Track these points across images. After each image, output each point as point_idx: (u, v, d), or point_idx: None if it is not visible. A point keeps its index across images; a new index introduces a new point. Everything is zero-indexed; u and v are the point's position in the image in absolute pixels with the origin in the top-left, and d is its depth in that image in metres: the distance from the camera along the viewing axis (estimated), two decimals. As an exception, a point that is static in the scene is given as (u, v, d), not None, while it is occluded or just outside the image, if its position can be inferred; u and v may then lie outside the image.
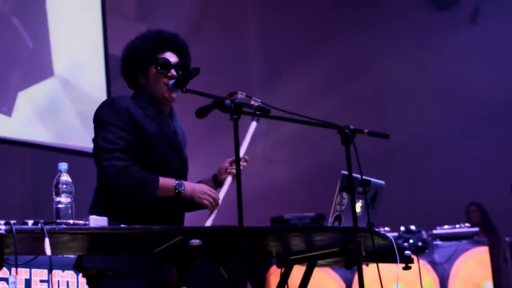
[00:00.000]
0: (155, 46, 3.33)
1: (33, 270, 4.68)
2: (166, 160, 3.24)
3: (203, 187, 3.21)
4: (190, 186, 3.18)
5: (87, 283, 3.22)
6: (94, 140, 3.18)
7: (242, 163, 3.30)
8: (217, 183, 3.42)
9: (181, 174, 3.32)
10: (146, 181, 3.09)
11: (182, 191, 3.14)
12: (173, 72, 3.30)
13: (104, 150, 3.08)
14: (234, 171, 3.27)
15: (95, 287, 3.17)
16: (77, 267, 3.23)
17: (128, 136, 3.13)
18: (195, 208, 3.32)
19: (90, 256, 3.13)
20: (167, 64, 3.31)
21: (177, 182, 3.14)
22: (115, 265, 3.11)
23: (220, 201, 3.27)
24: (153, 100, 3.31)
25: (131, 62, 3.34)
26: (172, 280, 3.16)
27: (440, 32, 10.49)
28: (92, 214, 2.72)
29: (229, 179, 3.37)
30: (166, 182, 3.13)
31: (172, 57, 3.34)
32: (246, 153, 3.36)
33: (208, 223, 3.21)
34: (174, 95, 3.30)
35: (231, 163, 3.38)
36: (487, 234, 8.09)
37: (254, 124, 3.40)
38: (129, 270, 3.10)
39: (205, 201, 3.18)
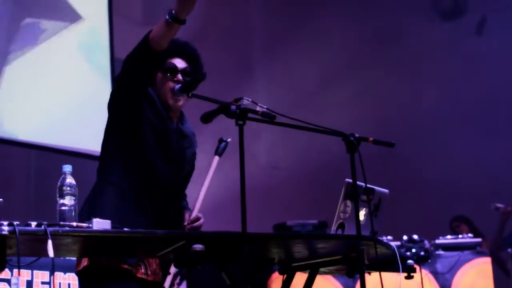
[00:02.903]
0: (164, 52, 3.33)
1: (34, 271, 4.68)
2: (156, 167, 3.22)
3: None
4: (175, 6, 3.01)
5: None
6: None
7: (197, 223, 3.30)
8: None
9: (179, 166, 3.30)
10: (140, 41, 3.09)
11: (173, 11, 2.98)
12: (179, 76, 3.30)
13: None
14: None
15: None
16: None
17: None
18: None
19: None
20: (173, 69, 3.31)
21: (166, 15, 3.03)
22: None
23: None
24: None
25: None
26: (149, 278, 3.14)
27: (445, 43, 10.49)
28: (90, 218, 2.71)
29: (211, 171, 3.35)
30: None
31: (180, 63, 3.34)
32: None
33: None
34: (180, 102, 3.28)
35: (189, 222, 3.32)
36: None
37: (216, 159, 3.39)
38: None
39: None
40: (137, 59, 3.10)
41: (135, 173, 3.19)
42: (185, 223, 3.28)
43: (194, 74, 3.35)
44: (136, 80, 3.14)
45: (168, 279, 3.06)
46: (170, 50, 3.29)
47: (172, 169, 3.27)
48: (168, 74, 3.30)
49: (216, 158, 3.39)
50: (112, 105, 3.25)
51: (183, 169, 3.34)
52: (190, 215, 3.32)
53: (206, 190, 3.31)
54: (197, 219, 3.32)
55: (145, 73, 3.15)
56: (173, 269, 3.18)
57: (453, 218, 8.64)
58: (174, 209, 3.35)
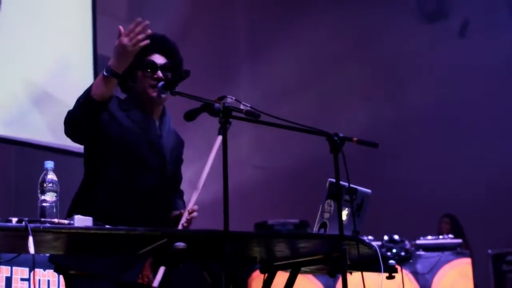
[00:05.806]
0: (141, 49, 3.23)
1: (14, 268, 4.65)
2: (144, 158, 3.24)
3: (118, 47, 3.07)
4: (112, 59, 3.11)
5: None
6: None
7: (192, 214, 3.31)
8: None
9: (161, 172, 3.30)
10: (82, 95, 3.20)
11: (110, 66, 3.09)
12: (159, 73, 3.29)
13: None
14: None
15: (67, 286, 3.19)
16: (51, 260, 3.23)
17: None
18: None
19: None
20: (152, 66, 3.30)
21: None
22: (78, 263, 3.11)
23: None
24: (140, 103, 3.32)
25: None
26: (139, 280, 3.15)
27: (428, 45, 10.53)
28: (76, 213, 2.70)
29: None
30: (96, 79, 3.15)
31: (159, 59, 3.33)
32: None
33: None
34: (163, 95, 3.28)
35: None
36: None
37: (219, 139, 3.37)
38: (92, 269, 3.10)
39: (129, 44, 3.03)
40: (85, 112, 3.16)
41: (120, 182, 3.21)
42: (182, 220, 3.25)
43: (174, 69, 3.34)
44: (86, 126, 3.18)
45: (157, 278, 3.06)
46: (148, 47, 3.20)
47: (153, 177, 3.27)
48: (148, 71, 3.30)
49: (219, 137, 3.35)
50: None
51: (165, 172, 3.33)
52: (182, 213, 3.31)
53: (205, 177, 3.28)
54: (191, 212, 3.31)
55: (95, 119, 3.17)
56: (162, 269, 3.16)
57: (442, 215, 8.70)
58: (165, 208, 3.36)
